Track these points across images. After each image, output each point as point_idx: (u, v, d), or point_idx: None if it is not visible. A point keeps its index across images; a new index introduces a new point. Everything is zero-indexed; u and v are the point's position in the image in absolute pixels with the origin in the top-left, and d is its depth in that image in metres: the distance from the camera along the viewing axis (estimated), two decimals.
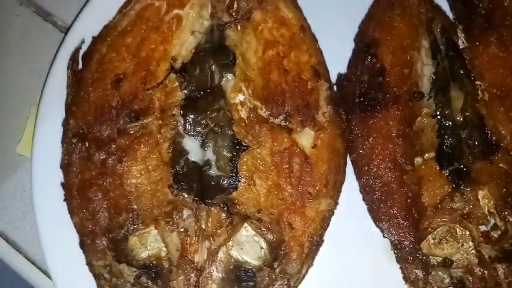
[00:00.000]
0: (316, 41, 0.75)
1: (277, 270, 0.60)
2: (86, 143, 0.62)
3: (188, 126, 0.67)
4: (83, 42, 0.69)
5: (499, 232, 0.63)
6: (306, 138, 0.67)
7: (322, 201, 0.64)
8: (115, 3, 0.72)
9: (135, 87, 0.65)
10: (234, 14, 0.74)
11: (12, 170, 0.75)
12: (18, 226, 0.72)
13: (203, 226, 0.60)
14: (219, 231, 0.61)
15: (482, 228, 0.65)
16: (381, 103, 0.69)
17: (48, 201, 0.63)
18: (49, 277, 0.68)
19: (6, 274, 0.69)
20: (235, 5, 0.74)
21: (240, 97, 0.70)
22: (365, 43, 0.74)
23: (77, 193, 0.61)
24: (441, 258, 0.64)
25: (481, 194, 0.64)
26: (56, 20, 0.83)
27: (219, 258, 0.61)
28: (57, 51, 0.70)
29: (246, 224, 0.63)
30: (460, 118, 0.71)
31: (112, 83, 0.64)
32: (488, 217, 0.64)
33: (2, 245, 0.69)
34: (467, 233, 0.64)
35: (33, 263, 0.70)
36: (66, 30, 0.80)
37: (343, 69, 0.75)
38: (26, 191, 0.73)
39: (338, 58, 0.75)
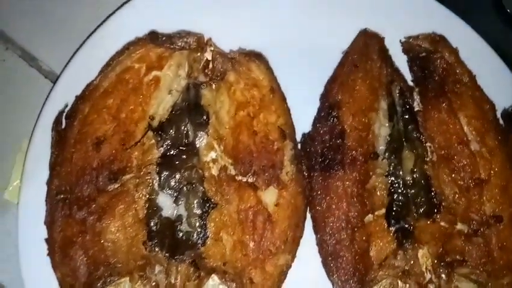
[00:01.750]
0: (284, 99, 0.82)
1: None
2: (69, 202, 0.68)
3: (163, 183, 0.73)
4: (66, 106, 0.74)
5: (434, 286, 0.72)
6: (270, 196, 0.75)
7: (281, 257, 0.72)
8: (96, 62, 0.77)
9: (114, 149, 0.71)
10: (209, 73, 0.80)
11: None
12: (3, 269, 0.78)
13: (172, 281, 0.68)
14: (187, 284, 0.68)
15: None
16: (339, 164, 0.77)
17: (33, 255, 0.70)
18: None
19: None
20: (210, 65, 0.80)
21: (212, 154, 0.76)
22: (329, 104, 0.81)
23: (59, 249, 0.67)
24: None
25: (420, 252, 0.73)
26: (42, 64, 0.88)
27: None
28: (41, 109, 0.75)
29: (212, 275, 0.71)
30: (409, 178, 0.79)
31: (93, 145, 0.70)
32: (425, 274, 0.73)
33: None
34: (407, 286, 0.73)
35: None
36: (54, 78, 0.84)
37: (309, 126, 0.83)
38: (12, 235, 0.78)
39: (305, 115, 0.82)
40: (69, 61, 0.78)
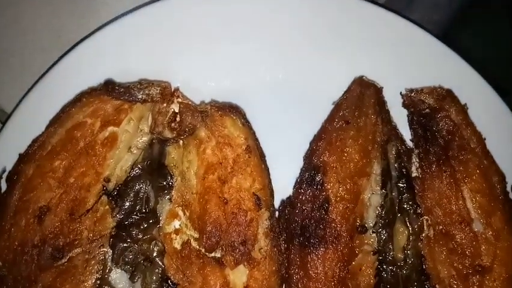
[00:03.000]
0: (263, 158, 0.71)
1: None
2: (8, 282, 0.60)
3: (117, 258, 0.64)
4: (3, 171, 0.64)
5: None
6: (239, 275, 0.65)
7: None
8: (45, 110, 0.67)
9: (60, 221, 0.62)
10: (176, 128, 0.69)
11: None
12: None
13: None
14: None
15: None
16: (320, 241, 0.67)
17: None
18: None
19: None
20: (177, 119, 0.69)
21: (176, 223, 0.67)
22: (313, 166, 0.70)
23: None
24: None
25: None
26: None
27: None
28: None
29: None
30: (401, 256, 0.70)
31: (34, 217, 0.61)
32: None
33: None
34: None
35: None
36: (5, 118, 0.75)
37: (290, 187, 0.73)
38: None
39: (286, 175, 0.72)
40: (18, 105, 0.68)
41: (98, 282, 0.63)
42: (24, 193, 0.62)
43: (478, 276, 0.66)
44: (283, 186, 0.72)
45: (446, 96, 0.73)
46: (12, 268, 0.60)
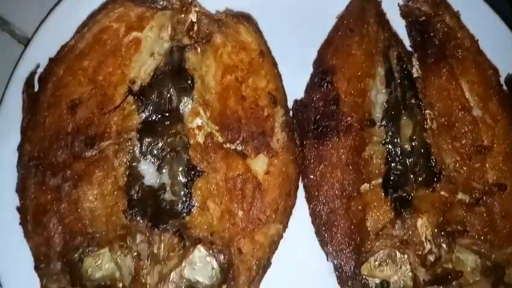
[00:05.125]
0: (275, 65, 0.77)
1: None
2: (42, 168, 0.63)
3: (144, 150, 0.68)
4: (38, 66, 0.69)
5: (434, 257, 0.68)
6: (259, 164, 0.70)
7: (271, 226, 0.67)
8: (72, 21, 0.72)
9: (91, 113, 0.66)
10: (194, 36, 0.75)
11: None
12: None
13: (155, 251, 0.63)
14: (171, 254, 0.64)
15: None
16: (333, 131, 0.72)
17: (4, 222, 0.65)
18: None
19: None
20: (195, 27, 0.75)
21: (198, 121, 0.71)
22: (322, 70, 0.76)
23: (32, 218, 0.62)
24: (379, 281, 0.68)
25: (419, 222, 0.69)
26: (14, 29, 0.82)
27: (171, 279, 0.64)
28: (13, 71, 0.70)
29: (198, 245, 0.67)
30: (407, 146, 0.75)
31: (67, 108, 0.65)
32: (425, 244, 0.68)
33: None
34: (405, 256, 0.69)
35: None
36: (26, 41, 0.80)
37: (301, 92, 0.78)
38: None
39: (297, 81, 0.78)
40: (42, 22, 0.72)
41: (128, 172, 0.67)
42: (56, 89, 0.67)
43: (480, 156, 0.71)
44: (294, 91, 0.77)
45: (440, 3, 0.80)
46: (48, 154, 0.64)
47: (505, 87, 0.77)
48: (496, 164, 0.71)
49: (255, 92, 0.72)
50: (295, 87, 0.77)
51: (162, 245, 0.64)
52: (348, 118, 0.73)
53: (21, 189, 0.63)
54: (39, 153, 0.64)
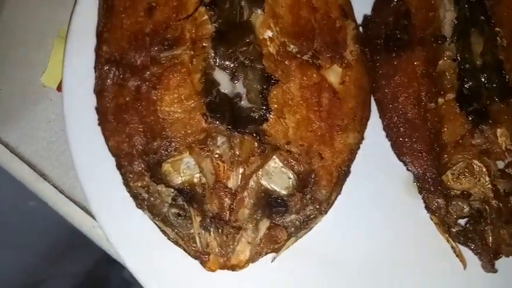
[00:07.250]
0: None
1: (307, 196, 0.62)
2: (120, 69, 0.62)
3: (218, 59, 0.67)
4: None
5: None
6: (334, 74, 0.69)
7: (350, 134, 0.66)
8: None
9: (167, 17, 0.65)
10: None
11: (37, 101, 0.74)
12: (44, 156, 0.72)
13: (237, 152, 0.62)
14: (252, 158, 0.62)
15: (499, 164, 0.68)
16: (406, 44, 0.71)
17: (80, 126, 0.64)
18: (78, 205, 0.69)
19: (34, 203, 0.69)
20: None
21: (269, 33, 0.70)
22: None
23: (112, 117, 0.61)
24: (459, 192, 0.67)
25: (499, 131, 0.67)
26: None
27: (250, 186, 0.63)
28: None
29: (274, 156, 0.65)
30: (479, 62, 0.73)
31: (144, 10, 0.64)
32: (505, 153, 0.67)
33: (29, 173, 0.69)
34: (484, 169, 0.67)
35: (61, 192, 0.70)
36: None
37: (368, 11, 0.77)
38: (51, 122, 0.73)
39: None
40: None
41: (204, 78, 0.65)
42: None
43: None
44: (361, 9, 0.76)
45: None
46: (127, 55, 0.63)
47: None
48: None
49: (326, 4, 0.71)
50: (362, 5, 0.76)
51: (243, 148, 0.62)
52: (421, 31, 0.71)
53: (100, 90, 0.62)
54: (117, 54, 0.63)
